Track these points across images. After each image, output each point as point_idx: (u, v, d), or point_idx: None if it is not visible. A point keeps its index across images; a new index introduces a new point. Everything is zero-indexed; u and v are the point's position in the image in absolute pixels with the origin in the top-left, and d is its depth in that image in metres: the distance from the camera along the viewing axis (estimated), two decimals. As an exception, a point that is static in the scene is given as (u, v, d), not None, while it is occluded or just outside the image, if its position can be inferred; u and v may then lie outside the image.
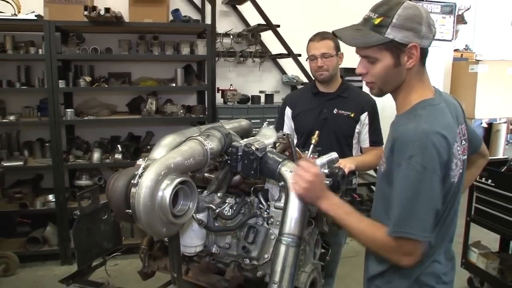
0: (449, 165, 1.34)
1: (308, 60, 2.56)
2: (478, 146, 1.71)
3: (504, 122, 6.88)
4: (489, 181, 3.28)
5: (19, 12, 3.97)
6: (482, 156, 1.77)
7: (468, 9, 7.87)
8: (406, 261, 1.34)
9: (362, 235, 1.42)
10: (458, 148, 1.41)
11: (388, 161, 1.41)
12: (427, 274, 1.47)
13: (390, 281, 1.50)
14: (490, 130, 6.84)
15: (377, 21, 1.36)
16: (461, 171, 1.45)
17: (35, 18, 3.83)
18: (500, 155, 6.48)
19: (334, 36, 1.47)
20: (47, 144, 4.15)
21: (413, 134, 1.31)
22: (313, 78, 2.64)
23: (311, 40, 2.52)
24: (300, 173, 1.43)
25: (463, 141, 1.47)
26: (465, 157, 1.50)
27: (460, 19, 7.62)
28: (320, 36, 2.49)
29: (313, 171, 1.42)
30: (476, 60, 7.52)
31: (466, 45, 8.32)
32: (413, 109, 1.41)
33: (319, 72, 2.50)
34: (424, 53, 1.40)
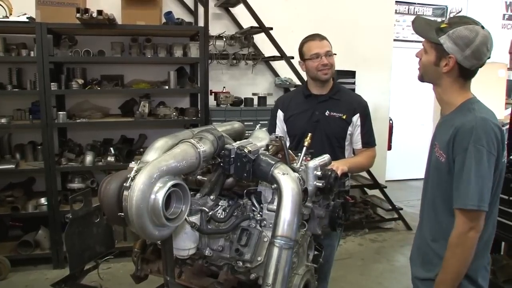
0: (501, 148, 1.62)
1: (306, 61, 2.53)
2: None
3: (496, 124, 6.93)
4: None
5: (10, 14, 3.95)
6: None
7: (460, 11, 7.95)
8: (473, 235, 1.59)
9: (456, 259, 1.63)
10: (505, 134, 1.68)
11: (448, 151, 1.65)
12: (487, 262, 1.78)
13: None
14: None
15: (442, 26, 1.65)
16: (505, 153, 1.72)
17: (27, 20, 3.81)
18: (491, 156, 6.51)
19: (415, 21, 1.76)
20: (39, 147, 4.13)
21: (474, 122, 1.58)
22: (312, 79, 2.61)
23: (311, 40, 2.52)
24: None
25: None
26: None
27: (451, 22, 7.68)
28: (319, 36, 2.52)
29: None
30: (467, 62, 7.57)
31: (458, 48, 8.38)
32: (463, 105, 1.69)
33: (323, 71, 2.48)
34: (464, 70, 1.65)
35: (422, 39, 1.73)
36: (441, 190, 1.72)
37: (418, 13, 7.38)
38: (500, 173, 1.68)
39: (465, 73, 1.67)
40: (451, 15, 7.68)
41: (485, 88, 6.68)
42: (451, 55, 1.63)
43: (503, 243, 3.70)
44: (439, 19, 1.97)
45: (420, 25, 1.74)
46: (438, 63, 1.67)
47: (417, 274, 1.85)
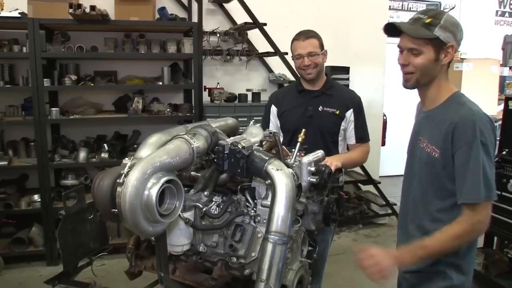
0: (496, 138, 1.66)
1: (293, 58, 2.56)
2: None
3: (488, 120, 6.97)
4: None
5: (2, 9, 3.92)
6: None
7: (453, 8, 7.95)
8: (483, 227, 1.63)
9: (446, 245, 1.62)
10: None
11: (444, 145, 1.64)
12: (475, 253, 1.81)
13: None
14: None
15: (427, 21, 1.64)
16: None
17: (19, 15, 3.78)
18: (484, 152, 6.56)
19: (386, 28, 1.70)
20: (32, 144, 4.11)
21: (473, 115, 1.59)
22: (299, 76, 2.65)
23: (295, 39, 2.52)
24: (366, 264, 1.62)
25: None
26: None
27: (445, 18, 7.71)
28: (305, 35, 2.49)
29: (373, 253, 1.62)
30: (460, 58, 7.60)
31: (451, 44, 8.41)
32: (451, 99, 1.70)
33: (306, 71, 2.51)
34: (453, 55, 1.67)
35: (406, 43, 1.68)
36: (434, 185, 1.71)
37: (412, 10, 7.39)
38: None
39: (452, 59, 1.70)
40: (445, 11, 7.70)
41: (478, 84, 6.74)
42: (450, 44, 1.64)
43: (495, 238, 3.73)
44: (410, 19, 1.85)
45: (407, 27, 1.68)
46: (438, 57, 1.66)
47: (407, 268, 1.83)
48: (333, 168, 1.84)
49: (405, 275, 1.87)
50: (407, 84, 1.73)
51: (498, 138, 3.85)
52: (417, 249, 1.63)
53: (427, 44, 1.64)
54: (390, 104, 6.67)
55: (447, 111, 1.67)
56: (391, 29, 1.69)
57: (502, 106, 4.21)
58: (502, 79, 7.95)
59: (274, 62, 5.06)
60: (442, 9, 7.45)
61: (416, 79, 1.70)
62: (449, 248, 1.63)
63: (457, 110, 1.63)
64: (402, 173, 1.95)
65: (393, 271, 1.61)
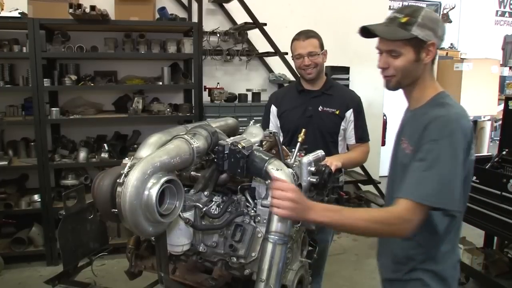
0: (471, 145, 1.53)
1: (293, 58, 2.57)
2: None
3: (488, 120, 6.98)
4: (474, 178, 3.32)
5: (2, 9, 3.92)
6: None
7: (453, 8, 7.97)
8: (408, 229, 1.45)
9: (360, 222, 1.45)
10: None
11: (416, 144, 1.53)
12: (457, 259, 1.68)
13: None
14: (475, 128, 6.93)
15: (403, 20, 1.53)
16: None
17: (19, 15, 3.78)
18: (484, 152, 6.56)
19: (361, 32, 1.60)
20: (32, 144, 4.10)
21: (449, 117, 1.49)
22: (299, 76, 2.65)
23: (295, 39, 2.53)
24: (278, 195, 1.41)
25: None
26: None
27: (445, 18, 7.72)
28: (305, 34, 2.50)
29: (290, 187, 1.43)
30: (461, 58, 7.61)
31: (451, 44, 8.42)
32: (435, 99, 1.60)
33: (306, 71, 2.51)
34: (436, 52, 1.58)
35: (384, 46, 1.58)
36: None
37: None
38: (468, 171, 1.56)
39: (435, 56, 1.60)
40: (445, 11, 7.70)
41: (478, 84, 6.74)
42: (430, 41, 1.54)
43: (495, 238, 3.73)
44: (385, 20, 1.70)
45: (381, 30, 1.57)
46: (418, 57, 1.55)
47: (387, 275, 1.76)
48: (333, 168, 1.84)
49: (384, 284, 1.79)
50: (388, 86, 1.64)
51: (498, 138, 3.85)
52: (331, 210, 1.46)
53: (405, 45, 1.54)
54: (390, 104, 6.68)
55: (428, 111, 1.56)
56: (368, 32, 1.59)
57: (502, 106, 4.21)
58: (502, 79, 7.96)
59: (274, 62, 5.06)
60: (442, 9, 7.45)
61: (397, 81, 1.61)
62: (362, 229, 1.48)
63: (437, 111, 1.54)
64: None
65: (297, 211, 1.41)
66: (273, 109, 2.68)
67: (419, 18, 1.52)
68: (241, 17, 4.72)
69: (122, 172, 1.34)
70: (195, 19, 4.64)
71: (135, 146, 4.31)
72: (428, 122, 1.50)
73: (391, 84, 1.62)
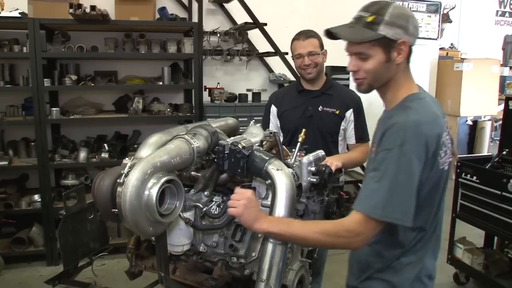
0: (437, 154, 1.40)
1: (293, 58, 2.57)
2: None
3: (489, 120, 6.99)
4: (474, 177, 3.33)
5: (2, 9, 3.91)
6: (453, 155, 1.82)
7: (453, 8, 7.96)
8: (357, 243, 1.38)
9: (311, 234, 1.40)
10: (447, 137, 1.47)
11: (376, 150, 1.45)
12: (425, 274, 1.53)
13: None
14: (475, 128, 6.93)
15: (369, 19, 1.42)
16: (450, 159, 1.50)
17: (19, 15, 3.78)
18: (484, 152, 6.57)
19: (326, 34, 1.52)
20: (32, 144, 4.10)
21: (405, 123, 1.37)
22: (299, 76, 2.65)
23: (296, 39, 2.53)
24: (235, 197, 1.47)
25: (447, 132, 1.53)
26: (451, 147, 1.56)
27: (445, 18, 7.70)
28: (305, 34, 2.50)
29: (246, 195, 1.46)
30: (461, 58, 7.62)
31: (451, 44, 8.43)
32: (402, 102, 1.48)
33: (306, 70, 2.51)
34: (410, 50, 1.47)
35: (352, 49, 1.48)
36: None
37: (412, 10, 7.35)
38: (438, 181, 1.45)
39: (410, 54, 1.48)
40: (445, 11, 7.69)
41: (479, 84, 6.74)
42: (401, 40, 1.42)
43: (495, 238, 3.73)
44: (351, 20, 1.60)
45: (345, 32, 1.47)
46: (389, 57, 1.44)
47: (349, 282, 1.69)
48: (333, 168, 1.84)
49: None
50: (359, 89, 1.55)
51: (499, 138, 3.85)
52: (282, 222, 1.43)
53: (373, 46, 1.43)
54: (390, 104, 6.67)
55: (393, 114, 1.46)
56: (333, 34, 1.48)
57: (502, 106, 4.21)
58: (503, 79, 7.97)
59: (274, 62, 5.06)
60: (443, 9, 7.44)
61: (368, 84, 1.51)
62: (313, 241, 1.44)
63: (398, 116, 1.42)
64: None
65: (249, 212, 1.43)
66: (273, 109, 2.68)
67: (386, 16, 1.40)
68: (241, 17, 4.72)
69: (122, 172, 1.34)
70: (195, 19, 4.64)
71: (135, 146, 4.30)
72: (386, 129, 1.41)
73: (362, 87, 1.53)
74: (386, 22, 1.40)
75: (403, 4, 7.31)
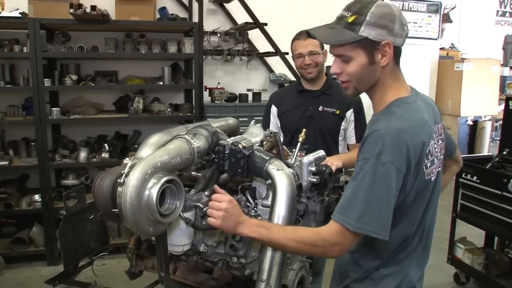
0: (421, 163, 1.33)
1: (294, 58, 2.57)
2: (453, 151, 1.71)
3: (489, 120, 6.99)
4: (474, 178, 3.33)
5: (2, 9, 3.91)
6: (456, 162, 1.77)
7: (454, 8, 7.97)
8: (335, 251, 1.33)
9: (288, 242, 1.36)
10: (435, 145, 1.40)
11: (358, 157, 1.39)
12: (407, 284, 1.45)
13: None
14: (475, 128, 6.93)
15: (350, 19, 1.34)
16: (439, 169, 1.44)
17: (20, 15, 3.78)
18: (485, 152, 6.57)
19: (308, 35, 1.46)
20: (33, 144, 4.10)
21: (385, 131, 1.29)
22: (300, 76, 2.65)
23: (296, 38, 2.53)
24: (212, 205, 1.42)
25: (439, 140, 1.46)
26: (442, 156, 1.49)
27: (446, 18, 7.71)
28: (305, 34, 2.49)
29: (226, 199, 1.42)
30: (461, 58, 7.62)
31: (452, 44, 8.43)
32: (387, 107, 1.41)
33: (307, 70, 2.51)
34: (397, 52, 1.39)
35: (335, 50, 1.41)
36: None
37: (412, 10, 7.35)
38: (423, 192, 1.38)
39: (398, 55, 1.40)
40: (445, 11, 7.69)
41: (479, 84, 6.74)
42: (384, 41, 1.33)
43: (496, 238, 3.73)
44: (334, 19, 1.56)
45: (323, 34, 1.40)
46: (372, 60, 1.36)
47: (331, 287, 1.64)
48: (333, 168, 1.84)
49: None
50: (346, 93, 1.48)
51: (499, 138, 3.85)
52: (262, 227, 1.39)
53: (355, 48, 1.35)
54: (391, 104, 6.67)
55: (376, 120, 1.39)
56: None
57: (502, 106, 4.22)
58: (503, 79, 7.98)
59: (275, 62, 5.06)
60: (443, 9, 7.44)
61: (354, 88, 1.43)
62: (291, 248, 1.40)
63: (381, 122, 1.35)
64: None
65: (228, 221, 1.40)
66: (274, 109, 2.68)
67: (367, 16, 1.32)
68: (241, 17, 4.72)
69: (122, 172, 1.34)
70: (195, 19, 4.64)
71: (136, 146, 4.31)
72: (366, 136, 1.35)
73: (349, 91, 1.45)
74: (368, 23, 1.32)
75: (403, 4, 7.33)
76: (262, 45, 4.89)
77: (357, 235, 1.29)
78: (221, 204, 1.40)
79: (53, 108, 3.99)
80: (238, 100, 4.74)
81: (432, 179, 1.40)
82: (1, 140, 4.27)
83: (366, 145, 1.33)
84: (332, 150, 2.50)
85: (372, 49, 1.35)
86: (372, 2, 1.34)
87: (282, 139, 2.43)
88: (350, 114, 2.55)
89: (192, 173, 1.70)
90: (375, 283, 1.44)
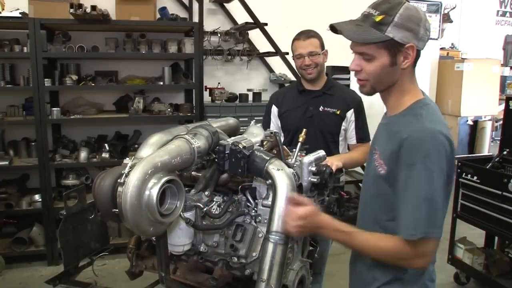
0: (453, 163, 1.36)
1: (294, 58, 2.57)
2: None
3: (489, 120, 6.98)
4: (475, 178, 3.33)
5: (3, 9, 3.92)
6: None
7: (454, 8, 7.96)
8: (420, 263, 1.36)
9: (371, 249, 1.40)
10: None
11: (391, 163, 1.39)
12: (428, 278, 1.49)
13: None
14: (475, 128, 6.93)
15: (378, 19, 1.34)
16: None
17: (20, 15, 3.78)
18: (485, 152, 6.57)
19: (331, 29, 1.45)
20: (33, 144, 4.10)
21: (423, 134, 1.32)
22: (300, 76, 2.66)
23: (296, 39, 2.53)
24: (289, 213, 1.40)
25: None
26: None
27: (446, 18, 7.71)
28: (306, 34, 2.50)
29: (304, 204, 1.41)
30: (461, 58, 7.62)
31: (452, 44, 8.42)
32: (410, 109, 1.42)
33: (307, 70, 2.51)
34: (418, 55, 1.40)
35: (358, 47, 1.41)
36: (382, 203, 1.47)
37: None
38: (450, 189, 1.42)
39: (417, 58, 1.41)
40: (446, 11, 7.68)
41: (479, 84, 6.73)
42: (409, 44, 1.34)
43: (496, 238, 3.73)
44: (360, 16, 1.41)
45: (349, 30, 1.38)
46: (394, 61, 1.37)
47: None
48: (334, 168, 1.84)
49: None
50: (362, 91, 1.48)
51: (499, 138, 3.85)
52: (342, 232, 1.42)
53: (379, 48, 1.35)
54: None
55: (402, 122, 1.40)
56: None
57: (503, 106, 4.21)
58: (503, 79, 7.98)
59: (275, 62, 5.06)
60: (443, 9, 7.44)
61: (371, 87, 1.44)
62: (371, 255, 1.44)
63: (410, 124, 1.36)
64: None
65: (307, 230, 1.43)
66: (274, 109, 2.68)
67: (395, 17, 1.32)
68: (242, 17, 4.73)
69: (123, 172, 1.33)
70: (196, 19, 4.65)
71: (136, 146, 4.31)
72: (402, 141, 1.34)
73: (365, 89, 1.46)
74: (395, 24, 1.32)
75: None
76: (262, 45, 4.90)
77: (437, 241, 1.33)
78: (299, 211, 1.40)
79: (53, 108, 3.99)
80: (238, 100, 4.75)
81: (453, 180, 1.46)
82: (1, 140, 4.27)
83: (406, 151, 1.33)
84: (332, 150, 2.50)
85: (396, 51, 1.36)
86: (401, 3, 1.34)
87: (282, 139, 2.44)
88: (350, 114, 2.55)
89: (193, 173, 1.70)
90: (405, 282, 1.47)
